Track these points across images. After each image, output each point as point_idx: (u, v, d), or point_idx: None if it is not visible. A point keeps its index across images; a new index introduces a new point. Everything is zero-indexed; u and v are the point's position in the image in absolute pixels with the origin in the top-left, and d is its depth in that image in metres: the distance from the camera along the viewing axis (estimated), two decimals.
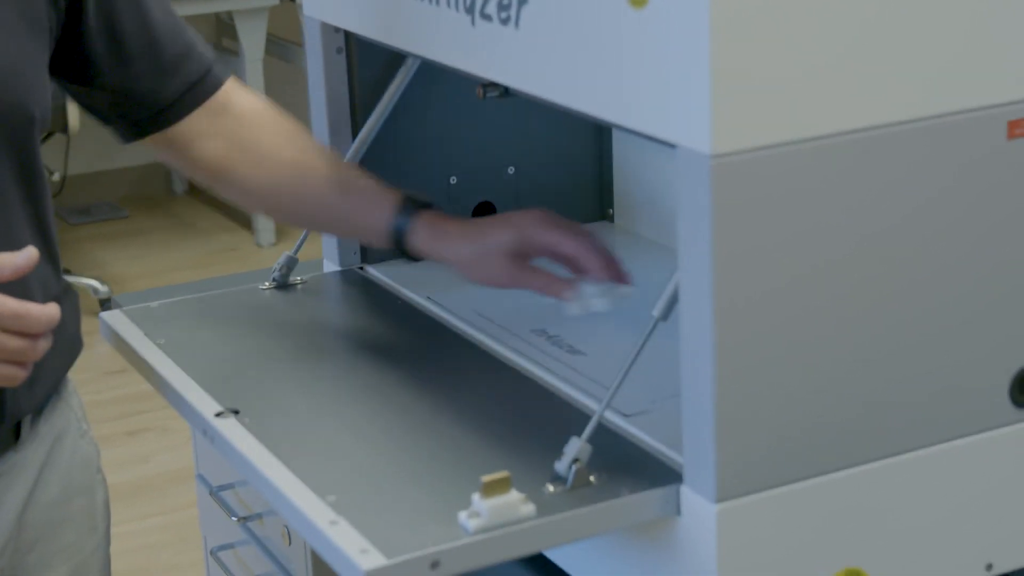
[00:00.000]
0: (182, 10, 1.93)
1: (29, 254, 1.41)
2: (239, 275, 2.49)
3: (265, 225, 5.11)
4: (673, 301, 1.39)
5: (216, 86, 1.69)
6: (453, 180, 1.94)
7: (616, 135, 2.02)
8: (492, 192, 1.97)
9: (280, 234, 5.18)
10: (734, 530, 1.34)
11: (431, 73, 1.88)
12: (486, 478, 1.32)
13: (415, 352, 1.69)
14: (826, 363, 1.35)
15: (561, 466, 1.38)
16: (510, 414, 1.55)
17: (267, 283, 1.87)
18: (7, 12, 1.53)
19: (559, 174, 2.02)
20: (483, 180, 1.96)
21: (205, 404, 1.57)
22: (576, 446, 1.38)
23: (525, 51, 1.47)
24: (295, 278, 1.88)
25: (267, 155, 1.70)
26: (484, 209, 1.97)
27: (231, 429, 1.51)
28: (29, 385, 1.56)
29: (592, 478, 1.39)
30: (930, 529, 1.43)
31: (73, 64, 1.63)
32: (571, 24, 1.40)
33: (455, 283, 1.83)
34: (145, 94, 1.66)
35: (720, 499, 1.34)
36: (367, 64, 1.87)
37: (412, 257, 1.68)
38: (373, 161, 1.84)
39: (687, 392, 1.34)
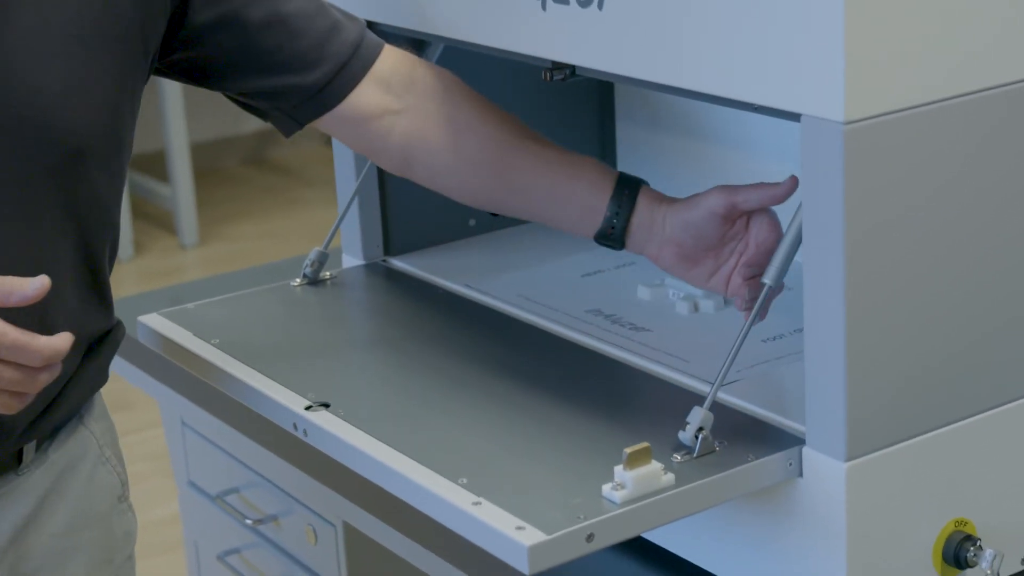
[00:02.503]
0: None
1: (41, 284, 1.31)
2: (236, 273, 2.48)
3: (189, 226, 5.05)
4: (784, 267, 1.43)
5: (372, 56, 1.61)
6: None
7: (619, 119, 2.05)
8: None
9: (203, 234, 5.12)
10: (862, 487, 1.38)
11: (445, 64, 1.89)
12: (629, 449, 1.34)
13: (478, 337, 1.70)
14: (949, 316, 1.40)
15: (686, 436, 1.41)
16: (601, 391, 1.57)
17: (298, 279, 1.86)
18: (72, 27, 1.42)
19: None
20: None
21: (290, 399, 1.56)
22: (699, 415, 1.41)
23: (612, 33, 1.48)
24: (323, 274, 1.87)
25: (467, 126, 1.62)
26: None
27: (330, 422, 1.51)
28: (37, 413, 1.50)
29: (716, 446, 1.41)
30: None
31: (202, 69, 1.57)
32: (665, 4, 1.43)
33: (487, 270, 1.85)
34: (293, 84, 1.59)
35: (849, 457, 1.37)
36: None
37: (615, 245, 1.60)
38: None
39: (813, 355, 1.38)
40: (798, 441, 1.42)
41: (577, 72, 1.59)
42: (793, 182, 1.51)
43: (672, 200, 1.59)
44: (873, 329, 1.36)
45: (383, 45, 1.64)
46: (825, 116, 1.31)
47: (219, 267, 4.97)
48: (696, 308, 1.72)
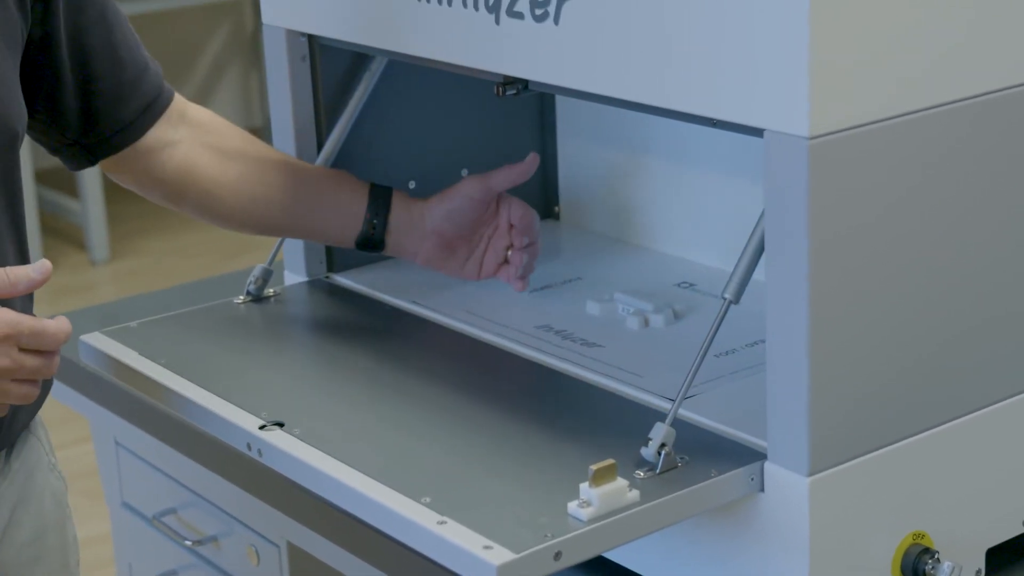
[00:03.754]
0: None
1: (44, 267, 1.37)
2: (178, 288, 2.44)
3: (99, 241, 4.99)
4: (744, 283, 1.43)
5: (169, 99, 1.69)
6: (412, 185, 1.94)
7: (560, 133, 2.05)
8: None
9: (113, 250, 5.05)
10: (824, 502, 1.39)
11: (387, 78, 1.88)
12: (594, 466, 1.34)
13: (429, 354, 1.69)
14: (911, 328, 1.40)
15: (649, 452, 1.40)
16: (558, 407, 1.57)
17: (241, 297, 1.83)
18: None
19: None
20: (439, 184, 1.95)
21: (243, 419, 1.54)
22: (662, 431, 1.41)
23: (569, 48, 1.48)
24: (267, 291, 1.85)
25: (233, 152, 1.72)
26: None
27: (285, 441, 1.49)
28: (8, 419, 1.51)
29: (679, 462, 1.41)
30: (983, 488, 1.50)
31: (37, 81, 1.58)
32: (623, 18, 1.43)
33: (431, 286, 1.84)
34: (106, 114, 1.63)
35: (812, 472, 1.38)
36: (331, 71, 1.86)
37: (376, 247, 1.77)
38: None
39: (775, 370, 1.38)
40: (759, 456, 1.42)
41: (531, 87, 1.58)
42: (534, 158, 1.80)
43: (425, 199, 1.80)
44: (836, 343, 1.36)
45: (173, 90, 1.72)
46: (789, 131, 1.31)
47: (130, 283, 4.92)
48: (646, 323, 1.72)
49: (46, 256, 5.02)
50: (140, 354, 1.70)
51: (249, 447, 1.52)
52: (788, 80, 1.30)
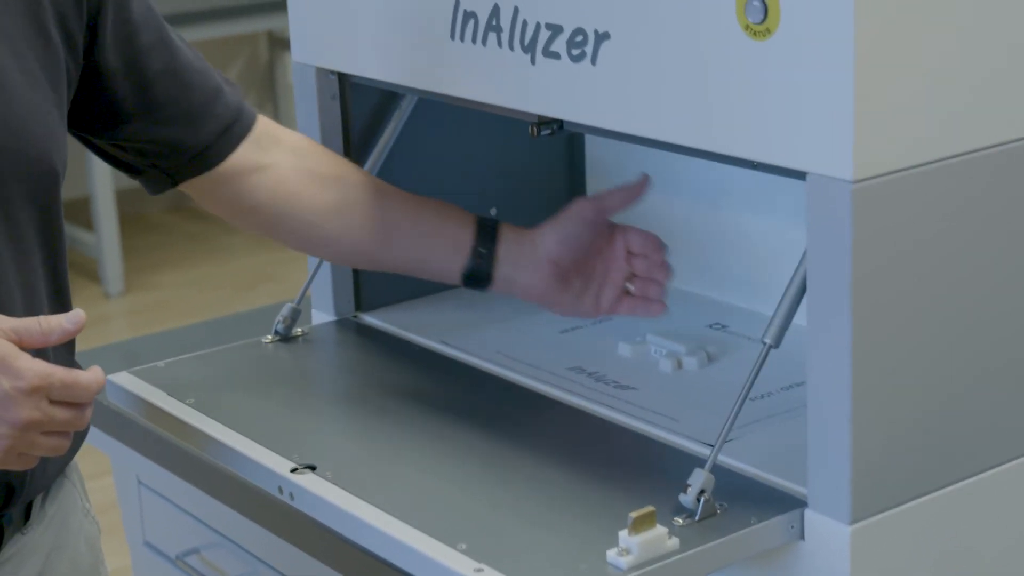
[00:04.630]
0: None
1: (78, 317, 1.34)
2: (198, 326, 2.42)
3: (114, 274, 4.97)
4: (784, 327, 1.41)
5: (252, 119, 1.64)
6: None
7: (589, 172, 2.03)
8: None
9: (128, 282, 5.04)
10: (865, 550, 1.37)
11: (417, 117, 1.87)
12: (634, 513, 1.32)
13: (461, 396, 1.67)
14: (956, 373, 1.39)
15: (688, 499, 1.39)
16: (593, 452, 1.54)
17: (269, 336, 1.82)
18: (29, 63, 1.44)
19: (537, 212, 2.01)
20: None
21: (274, 462, 1.52)
22: (701, 477, 1.39)
23: (606, 88, 1.47)
24: (295, 330, 1.83)
25: (332, 178, 1.66)
26: None
27: (318, 485, 1.47)
28: (43, 463, 1.48)
29: (717, 508, 1.39)
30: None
31: (99, 113, 1.55)
32: (663, 60, 1.41)
33: (461, 325, 1.83)
34: (178, 140, 1.59)
35: (853, 520, 1.36)
36: (360, 108, 1.84)
37: (484, 281, 1.67)
38: None
39: (817, 415, 1.36)
40: (799, 503, 1.40)
41: (566, 127, 1.57)
42: (646, 178, 1.68)
43: (532, 228, 1.68)
44: (878, 387, 1.34)
45: (257, 112, 1.67)
46: (834, 175, 1.30)
47: (145, 316, 4.90)
48: (680, 365, 1.70)
49: None
50: (168, 394, 1.68)
51: (281, 490, 1.50)
52: (833, 123, 1.29)
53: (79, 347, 1.57)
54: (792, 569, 1.41)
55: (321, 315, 1.90)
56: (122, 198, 5.35)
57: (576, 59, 1.49)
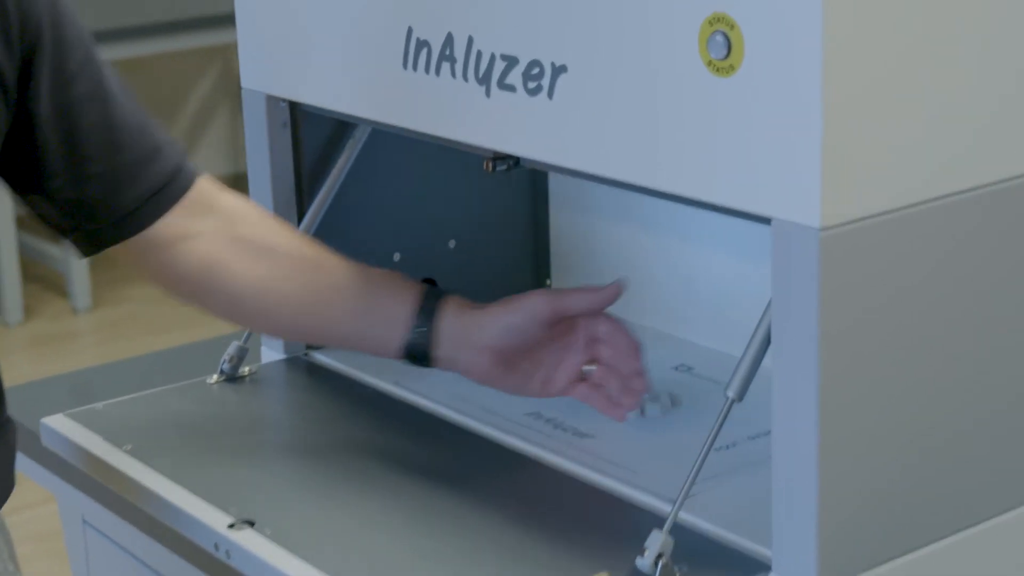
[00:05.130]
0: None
1: None
2: (157, 355, 2.33)
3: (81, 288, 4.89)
4: (749, 379, 1.33)
5: (187, 185, 1.52)
6: (397, 257, 1.85)
7: (553, 204, 1.95)
8: (435, 267, 1.88)
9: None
10: None
11: (372, 146, 1.79)
12: None
13: (413, 444, 1.59)
14: (930, 426, 1.31)
15: (645, 563, 1.31)
16: (548, 507, 1.47)
17: (215, 376, 1.73)
18: None
19: (498, 246, 1.94)
20: (426, 256, 1.87)
21: (211, 516, 1.44)
22: (659, 540, 1.31)
23: (563, 124, 1.39)
24: (242, 369, 1.75)
25: (264, 248, 1.54)
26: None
27: (255, 543, 1.39)
28: None
29: (676, 573, 1.31)
30: None
31: (22, 164, 1.45)
32: (623, 96, 1.34)
33: (423, 370, 1.74)
34: (102, 201, 1.48)
35: None
36: (312, 137, 1.77)
37: (423, 360, 1.55)
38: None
39: (782, 478, 1.28)
40: (762, 567, 1.32)
41: (522, 163, 1.49)
42: (617, 287, 1.52)
43: (482, 306, 1.54)
44: (847, 441, 1.27)
45: (198, 174, 1.54)
46: (800, 221, 1.22)
47: (112, 331, 4.82)
48: (642, 412, 1.62)
49: (27, 303, 4.93)
50: (104, 439, 1.60)
51: (217, 547, 1.42)
52: (799, 169, 1.21)
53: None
54: None
55: (271, 353, 1.81)
56: None
57: (532, 92, 1.41)
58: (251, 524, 1.42)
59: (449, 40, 1.48)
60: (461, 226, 1.90)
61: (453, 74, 1.48)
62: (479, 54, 1.45)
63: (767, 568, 1.32)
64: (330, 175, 1.76)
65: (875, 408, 1.27)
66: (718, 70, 1.25)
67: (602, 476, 1.49)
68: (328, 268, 1.56)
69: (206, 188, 1.55)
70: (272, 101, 1.73)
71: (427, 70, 1.51)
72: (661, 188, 1.33)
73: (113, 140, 1.47)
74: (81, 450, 1.59)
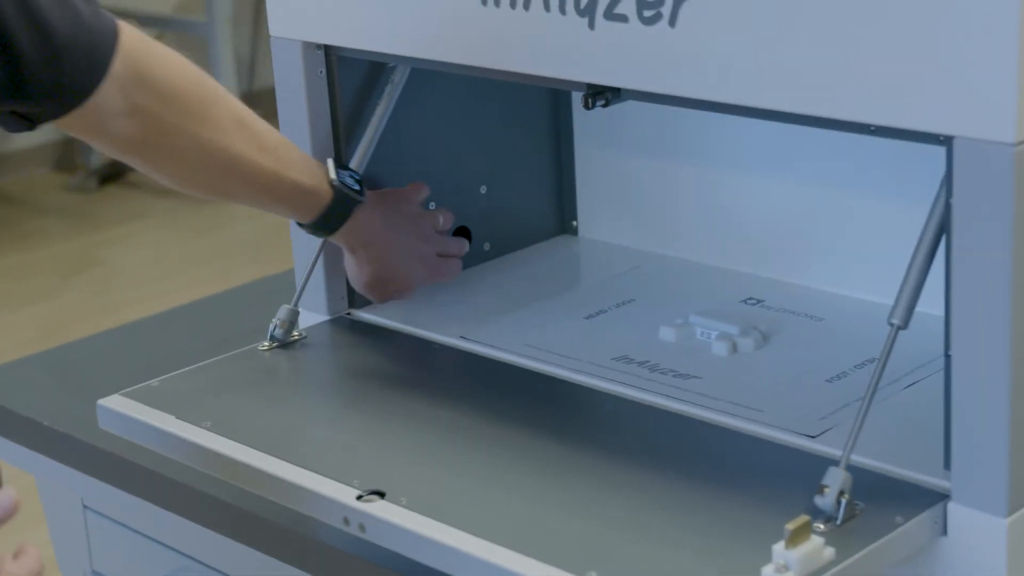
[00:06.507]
0: None
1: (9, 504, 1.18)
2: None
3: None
4: (912, 306, 1.29)
5: (111, 52, 1.37)
6: (432, 206, 1.76)
7: (578, 143, 1.88)
8: (469, 213, 1.80)
9: None
10: (1019, 542, 1.26)
11: (406, 92, 1.70)
12: (790, 525, 1.19)
13: (506, 397, 1.51)
14: None
15: (827, 501, 1.26)
16: (686, 453, 1.40)
17: (266, 343, 1.63)
18: None
19: (525, 189, 1.87)
20: (459, 202, 1.79)
21: (336, 490, 1.35)
22: (839, 477, 1.26)
23: (688, 54, 1.32)
24: (292, 334, 1.65)
25: (188, 133, 1.45)
26: (461, 234, 1.80)
27: (400, 515, 1.30)
28: None
29: (857, 509, 1.27)
30: None
31: None
32: (764, 22, 1.27)
33: (469, 317, 1.67)
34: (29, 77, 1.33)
35: (1011, 511, 1.25)
36: (348, 84, 1.67)
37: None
38: None
39: (965, 403, 1.24)
40: (939, 496, 1.28)
41: (641, 97, 1.42)
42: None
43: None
44: None
45: (118, 33, 1.39)
46: (991, 138, 1.17)
47: None
48: (735, 348, 1.57)
49: None
50: (178, 418, 1.49)
51: (347, 521, 1.33)
52: (989, 82, 1.16)
53: None
54: (936, 567, 1.29)
55: (312, 315, 1.72)
56: None
57: (649, 21, 1.34)
58: (381, 495, 1.33)
59: None
60: (491, 171, 1.82)
61: (547, 8, 1.41)
62: None
63: (944, 497, 1.28)
64: (371, 123, 1.67)
65: None
66: None
67: (727, 417, 1.44)
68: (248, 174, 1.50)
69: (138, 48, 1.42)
70: (308, 48, 1.63)
71: (512, 6, 1.43)
72: (820, 115, 1.27)
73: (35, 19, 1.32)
74: (156, 430, 1.48)
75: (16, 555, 1.19)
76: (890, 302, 1.27)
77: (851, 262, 1.66)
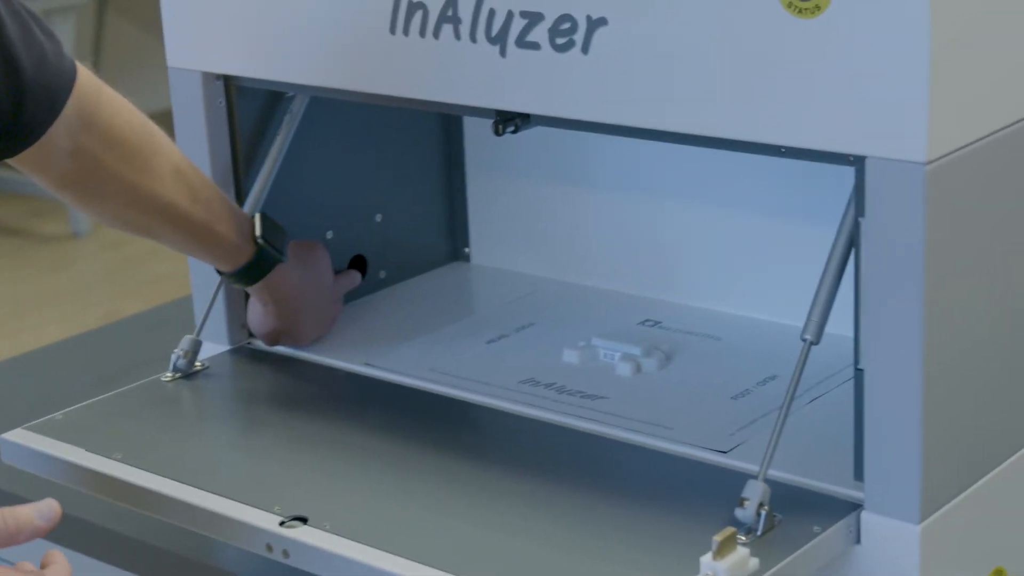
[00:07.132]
0: None
1: (51, 512, 1.20)
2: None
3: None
4: (824, 322, 1.33)
5: (66, 95, 1.40)
6: (330, 235, 1.77)
7: (469, 170, 1.90)
8: (365, 242, 1.81)
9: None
10: (931, 547, 1.30)
11: (304, 121, 1.71)
12: (718, 537, 1.22)
13: (416, 421, 1.52)
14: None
15: (747, 514, 1.29)
16: (602, 471, 1.43)
17: (169, 374, 1.63)
18: None
19: (418, 217, 1.88)
20: (356, 231, 1.80)
21: (256, 517, 1.35)
22: (759, 489, 1.29)
23: (602, 80, 1.35)
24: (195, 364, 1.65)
25: (126, 179, 1.48)
26: (357, 263, 1.82)
27: (325, 540, 1.31)
28: None
29: (775, 521, 1.30)
30: None
31: None
32: (676, 47, 1.31)
33: (370, 343, 1.68)
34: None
35: (923, 518, 1.29)
36: (247, 114, 1.67)
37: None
38: None
39: (878, 415, 1.28)
40: (853, 506, 1.32)
41: (533, 122, 1.45)
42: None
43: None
44: (948, 376, 1.28)
45: (76, 75, 1.41)
46: (901, 157, 1.22)
47: None
48: (639, 369, 1.60)
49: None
50: (87, 450, 1.48)
51: (270, 548, 1.33)
52: (900, 103, 1.21)
53: None
54: (851, 574, 1.33)
55: (212, 346, 1.71)
56: None
57: (561, 48, 1.37)
58: (303, 520, 1.34)
59: (451, 2, 1.42)
60: (386, 199, 1.83)
61: (458, 36, 1.43)
62: (491, 12, 1.40)
63: (857, 506, 1.32)
64: (270, 153, 1.67)
65: (973, 341, 1.30)
66: (800, 11, 1.24)
67: (640, 435, 1.46)
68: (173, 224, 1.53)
69: (89, 93, 1.44)
70: (208, 78, 1.63)
71: (422, 34, 1.45)
72: (731, 137, 1.30)
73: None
74: (64, 464, 1.47)
75: (44, 564, 1.17)
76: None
77: (743, 282, 1.70)
